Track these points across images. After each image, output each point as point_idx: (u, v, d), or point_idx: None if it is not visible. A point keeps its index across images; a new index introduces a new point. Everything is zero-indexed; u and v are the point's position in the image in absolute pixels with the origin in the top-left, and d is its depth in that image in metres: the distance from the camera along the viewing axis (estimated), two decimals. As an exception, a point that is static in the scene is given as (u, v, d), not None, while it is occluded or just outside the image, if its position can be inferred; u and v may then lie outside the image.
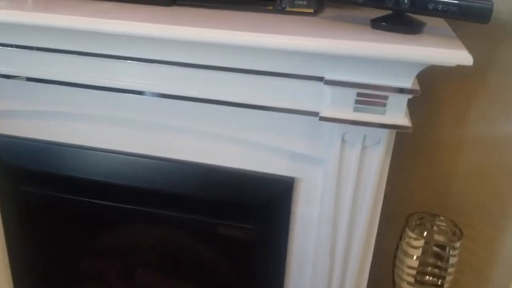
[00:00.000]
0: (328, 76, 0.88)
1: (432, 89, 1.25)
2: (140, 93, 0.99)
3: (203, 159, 1.06)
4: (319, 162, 1.00)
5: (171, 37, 0.87)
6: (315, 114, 0.92)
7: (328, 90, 0.90)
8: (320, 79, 0.89)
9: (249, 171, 1.05)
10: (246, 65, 0.92)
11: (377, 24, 0.88)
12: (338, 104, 0.90)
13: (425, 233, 1.36)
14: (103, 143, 1.11)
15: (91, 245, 1.36)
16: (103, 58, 0.98)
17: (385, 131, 0.91)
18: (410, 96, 0.87)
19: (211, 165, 1.06)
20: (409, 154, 1.35)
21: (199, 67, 0.94)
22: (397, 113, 0.88)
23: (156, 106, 1.02)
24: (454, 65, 0.78)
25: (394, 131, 0.93)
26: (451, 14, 0.80)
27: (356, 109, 0.89)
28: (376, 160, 0.94)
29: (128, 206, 1.14)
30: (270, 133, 0.99)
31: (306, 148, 0.99)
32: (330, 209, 1.01)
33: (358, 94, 0.88)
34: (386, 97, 0.87)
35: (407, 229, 1.28)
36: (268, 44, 0.83)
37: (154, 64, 0.96)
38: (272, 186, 1.05)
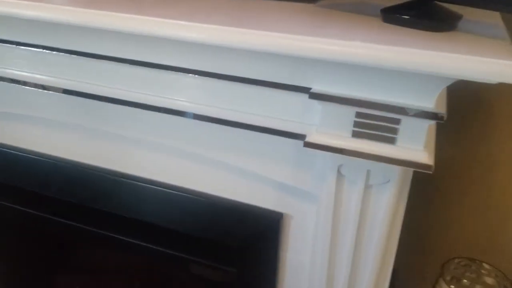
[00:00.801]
0: (316, 88, 0.64)
1: (483, 96, 0.96)
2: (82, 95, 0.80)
3: (176, 181, 0.85)
4: (311, 197, 0.75)
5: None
6: (301, 137, 0.68)
7: (317, 106, 0.65)
8: (308, 90, 0.64)
9: (229, 200, 0.82)
10: (205, 66, 0.69)
11: (390, 16, 0.62)
12: (330, 126, 0.65)
13: (464, 281, 1.07)
14: (64, 152, 0.92)
15: (49, 262, 1.19)
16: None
17: (396, 168, 0.65)
18: (431, 122, 0.61)
19: (183, 188, 0.85)
20: (449, 180, 1.07)
21: (153, 67, 0.73)
22: (413, 144, 0.62)
23: (107, 112, 0.82)
24: (494, 82, 0.52)
25: (409, 169, 0.66)
26: (494, 5, 0.53)
27: (355, 135, 0.64)
28: (384, 204, 0.69)
29: (88, 228, 0.95)
30: (252, 157, 0.75)
31: (295, 179, 0.75)
32: (324, 258, 0.77)
33: (358, 115, 0.63)
34: (397, 121, 0.62)
35: (441, 280, 1.01)
36: (224, 41, 0.60)
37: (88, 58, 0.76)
38: (256, 220, 0.82)
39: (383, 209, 0.69)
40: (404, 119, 0.61)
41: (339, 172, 0.69)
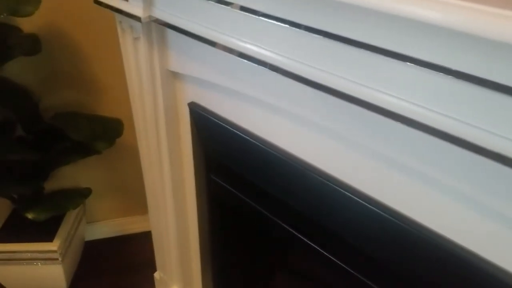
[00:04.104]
0: None
1: None
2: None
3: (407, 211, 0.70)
4: None
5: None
6: None
7: None
8: None
9: (449, 240, 0.66)
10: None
11: None
12: None
13: None
14: (309, 156, 0.81)
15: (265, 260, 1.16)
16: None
17: None
18: None
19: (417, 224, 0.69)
20: None
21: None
22: None
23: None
24: None
25: None
26: None
27: None
28: None
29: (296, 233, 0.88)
30: (498, 194, 0.57)
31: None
32: None
33: None
34: None
35: None
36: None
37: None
38: (486, 281, 0.63)
39: None
40: None
41: None
